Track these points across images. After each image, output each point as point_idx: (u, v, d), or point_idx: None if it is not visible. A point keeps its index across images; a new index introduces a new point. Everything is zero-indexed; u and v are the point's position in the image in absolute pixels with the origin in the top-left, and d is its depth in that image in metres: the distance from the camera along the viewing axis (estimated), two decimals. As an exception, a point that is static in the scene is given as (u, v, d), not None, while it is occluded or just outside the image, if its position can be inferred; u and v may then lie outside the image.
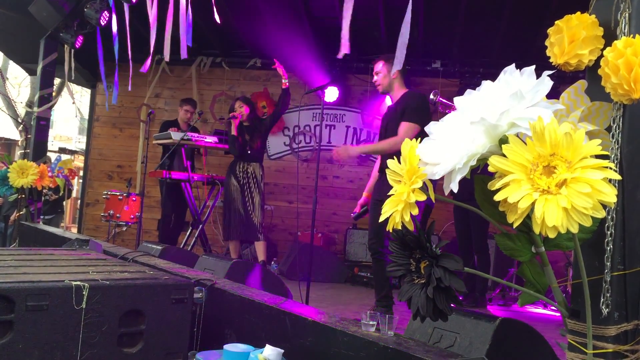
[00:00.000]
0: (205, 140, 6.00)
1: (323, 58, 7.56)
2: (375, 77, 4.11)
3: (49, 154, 6.78)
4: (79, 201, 9.51)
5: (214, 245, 7.12)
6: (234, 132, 5.70)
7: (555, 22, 1.45)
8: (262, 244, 5.60)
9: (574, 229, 0.99)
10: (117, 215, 6.29)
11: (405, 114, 3.88)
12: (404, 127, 3.84)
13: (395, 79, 4.05)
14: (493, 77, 1.19)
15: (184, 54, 4.18)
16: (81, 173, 8.67)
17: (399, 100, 4.02)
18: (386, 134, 4.06)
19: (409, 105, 3.91)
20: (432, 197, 1.18)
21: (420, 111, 3.91)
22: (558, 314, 1.29)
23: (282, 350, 2.00)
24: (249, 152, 5.71)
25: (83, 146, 11.70)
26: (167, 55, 4.31)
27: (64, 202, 8.56)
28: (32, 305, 1.93)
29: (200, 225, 6.12)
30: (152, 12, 4.41)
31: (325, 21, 6.89)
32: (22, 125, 12.73)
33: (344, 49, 3.08)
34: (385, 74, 4.03)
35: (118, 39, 5.07)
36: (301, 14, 6.79)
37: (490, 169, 1.09)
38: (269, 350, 1.99)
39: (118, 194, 6.38)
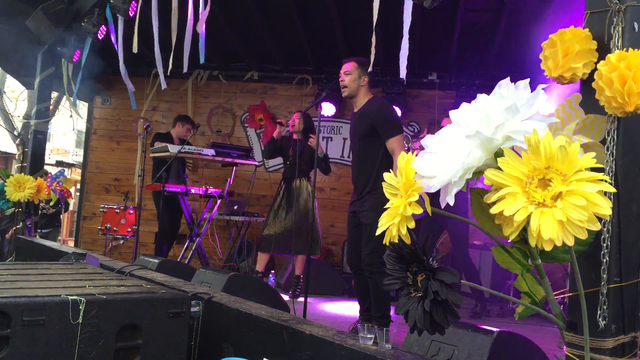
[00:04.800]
0: (203, 152, 6.01)
1: (318, 71, 7.62)
2: (344, 78, 3.96)
3: (46, 167, 6.78)
4: (75, 214, 9.49)
5: (211, 258, 7.10)
6: (276, 135, 5.78)
7: (550, 35, 1.46)
8: (303, 257, 5.61)
9: (570, 242, 0.99)
10: (114, 228, 6.28)
11: (385, 131, 3.81)
12: (395, 143, 3.79)
13: (364, 85, 3.95)
14: (489, 90, 1.20)
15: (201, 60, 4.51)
16: (78, 186, 8.65)
17: (367, 107, 3.94)
18: (354, 141, 4.03)
19: (381, 120, 3.83)
20: (429, 210, 1.18)
21: (395, 119, 3.95)
22: (556, 327, 1.29)
23: (280, 364, 2.00)
24: (291, 165, 5.73)
25: (80, 159, 11.69)
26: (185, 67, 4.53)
27: (61, 216, 8.55)
28: (29, 321, 1.92)
29: (197, 239, 6.11)
30: (155, 26, 4.45)
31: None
32: (19, 139, 12.73)
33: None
34: (355, 78, 3.92)
35: (118, 52, 5.10)
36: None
37: (486, 182, 1.09)
38: (267, 364, 1.98)
39: (115, 207, 6.37)
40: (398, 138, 3.81)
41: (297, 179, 5.67)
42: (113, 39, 5.11)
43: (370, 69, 3.82)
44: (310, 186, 5.63)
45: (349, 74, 3.95)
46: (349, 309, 5.36)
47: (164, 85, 4.68)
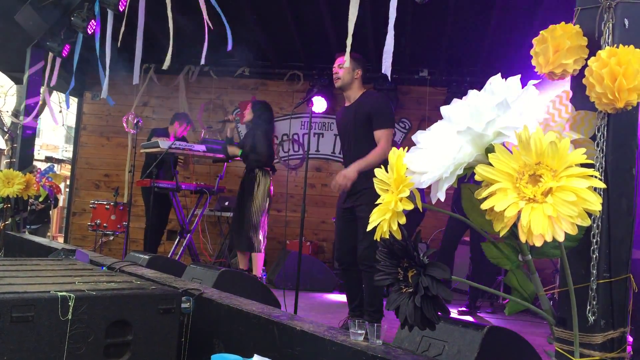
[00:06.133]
0: (193, 148, 5.98)
1: (310, 68, 7.60)
2: (337, 70, 3.99)
3: (35, 162, 6.73)
4: (65, 210, 9.44)
5: (202, 254, 7.08)
6: (228, 134, 5.73)
7: (540, 32, 1.47)
8: (255, 255, 5.44)
9: (560, 237, 1.00)
10: (104, 224, 6.25)
11: (377, 120, 3.83)
12: (384, 134, 3.81)
13: (357, 79, 3.99)
14: (480, 86, 1.20)
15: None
16: (68, 182, 8.61)
17: (360, 100, 3.96)
18: (347, 134, 4.01)
19: (377, 110, 3.85)
20: (420, 205, 1.18)
21: (390, 113, 3.97)
22: (546, 322, 1.30)
23: (271, 360, 1.99)
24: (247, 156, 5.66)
25: (70, 155, 11.62)
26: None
27: (50, 212, 8.49)
28: (17, 317, 1.90)
29: (188, 235, 6.09)
30: (140, 21, 4.41)
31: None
32: (7, 135, 12.64)
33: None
34: (349, 71, 3.95)
35: (104, 48, 5.06)
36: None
37: (477, 177, 1.09)
38: (257, 360, 1.98)
39: (105, 203, 6.34)
40: (388, 131, 3.83)
41: (249, 171, 5.57)
42: (97, 35, 5.06)
43: (347, 65, 3.81)
44: (261, 176, 5.48)
45: (343, 67, 3.97)
46: (340, 305, 5.37)
47: (135, 80, 4.65)
